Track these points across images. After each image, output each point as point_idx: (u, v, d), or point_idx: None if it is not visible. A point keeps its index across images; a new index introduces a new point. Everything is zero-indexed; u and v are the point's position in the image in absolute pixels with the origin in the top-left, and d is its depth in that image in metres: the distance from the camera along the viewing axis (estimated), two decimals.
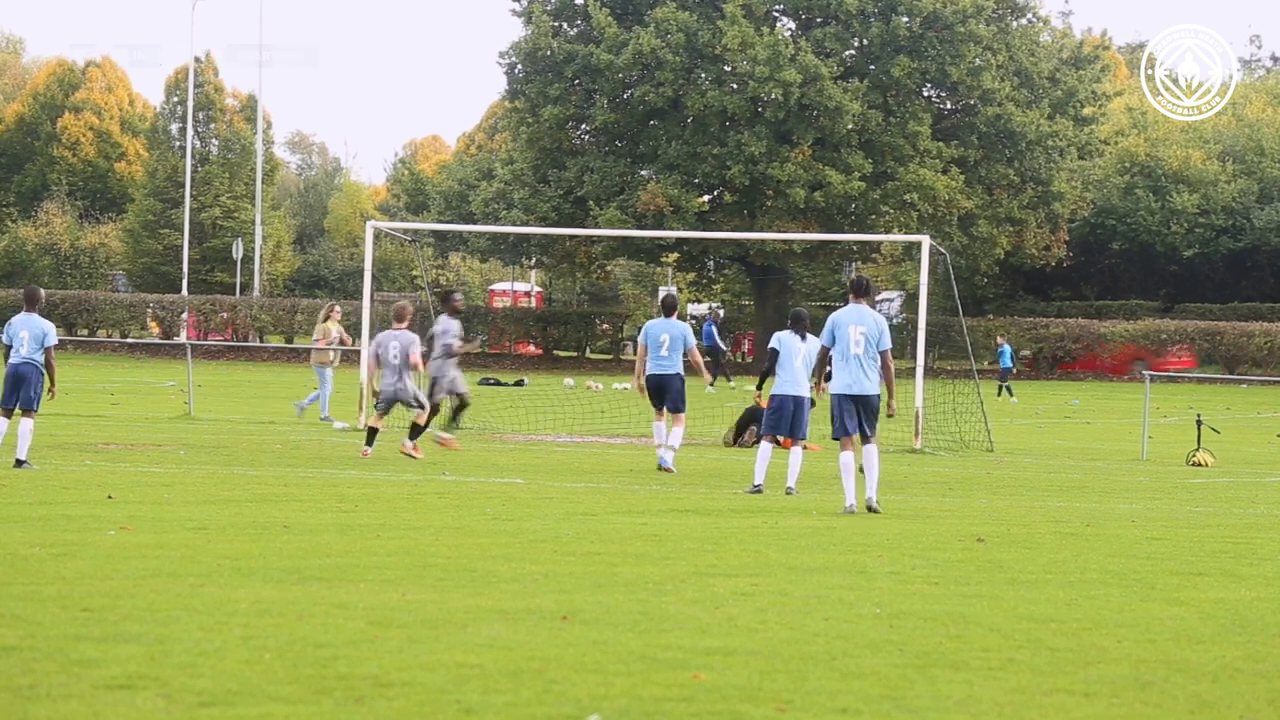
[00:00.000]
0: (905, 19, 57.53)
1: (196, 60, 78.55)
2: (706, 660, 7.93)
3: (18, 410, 18.37)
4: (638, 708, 6.96)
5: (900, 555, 12.20)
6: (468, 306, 65.26)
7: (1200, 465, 24.40)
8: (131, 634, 8.18)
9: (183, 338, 62.97)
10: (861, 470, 15.85)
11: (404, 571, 10.61)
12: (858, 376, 15.83)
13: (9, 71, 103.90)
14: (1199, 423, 25.48)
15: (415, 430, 21.27)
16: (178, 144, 78.99)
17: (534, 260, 70.96)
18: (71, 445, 21.64)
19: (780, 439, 18.12)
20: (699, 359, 21.20)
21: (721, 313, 63.47)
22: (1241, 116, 70.21)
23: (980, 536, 13.46)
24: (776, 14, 61.09)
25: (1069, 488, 20.11)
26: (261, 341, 65.28)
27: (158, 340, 61.99)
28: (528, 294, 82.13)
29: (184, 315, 65.37)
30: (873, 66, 58.99)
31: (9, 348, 18.49)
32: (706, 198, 62.53)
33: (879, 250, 67.59)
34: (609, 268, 72.97)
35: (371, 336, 29.15)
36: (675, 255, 67.27)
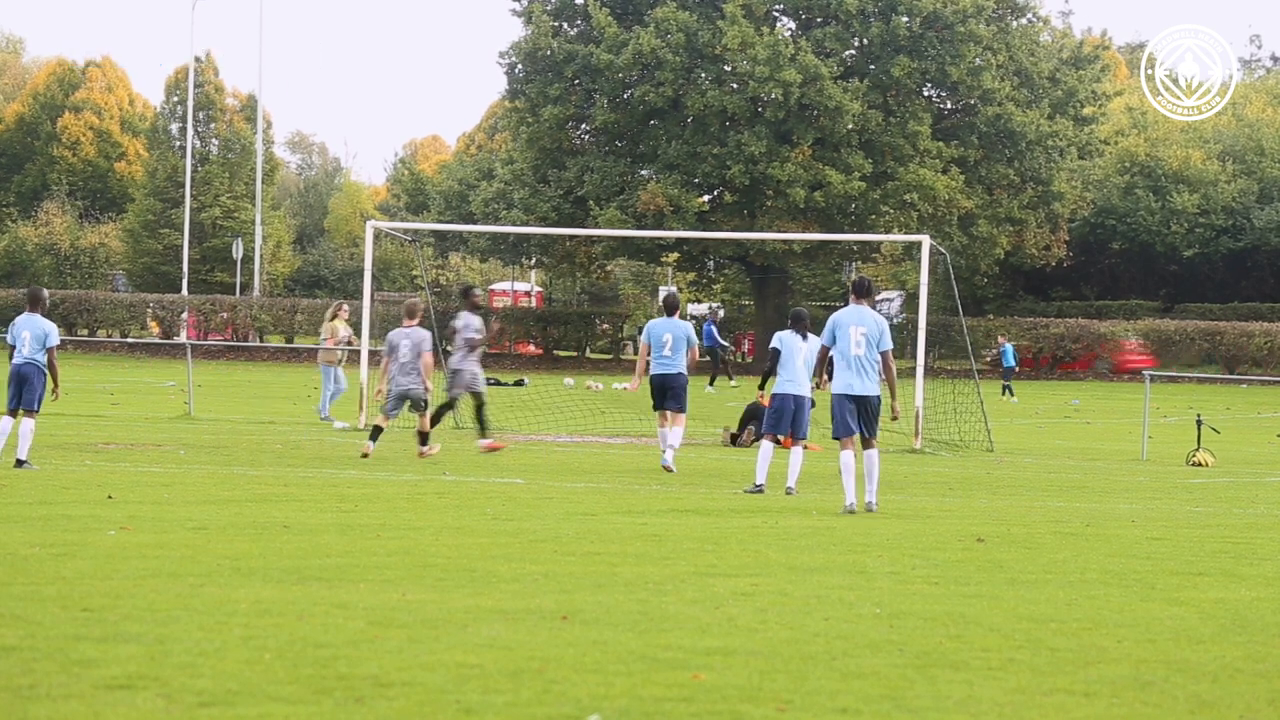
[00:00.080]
0: (905, 19, 57.55)
1: (196, 60, 78.57)
2: (706, 660, 7.93)
3: (20, 410, 18.39)
4: (638, 708, 6.96)
5: (900, 555, 12.20)
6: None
7: (1200, 465, 24.40)
8: (131, 634, 8.18)
9: (183, 338, 62.97)
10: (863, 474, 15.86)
11: (404, 571, 10.61)
12: (858, 377, 15.82)
13: (9, 71, 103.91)
14: (1199, 423, 25.49)
15: (423, 438, 21.28)
16: (178, 144, 78.99)
17: (534, 260, 70.98)
18: (71, 445, 21.64)
19: (780, 439, 18.11)
20: (695, 359, 21.22)
21: (721, 313, 63.47)
22: (1241, 116, 70.22)
23: (980, 536, 13.46)
24: (776, 14, 61.11)
25: (1069, 488, 20.11)
26: (261, 341, 65.29)
27: (158, 340, 61.99)
28: (528, 294, 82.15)
29: (184, 315, 65.37)
30: (873, 66, 59.01)
31: (13, 348, 18.52)
32: (706, 198, 62.54)
33: (879, 250, 67.60)
34: (609, 268, 72.99)
35: (372, 336, 29.20)
36: (675, 255, 67.28)
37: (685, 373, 20.74)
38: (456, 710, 6.84)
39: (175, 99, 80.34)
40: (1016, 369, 51.23)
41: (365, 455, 20.89)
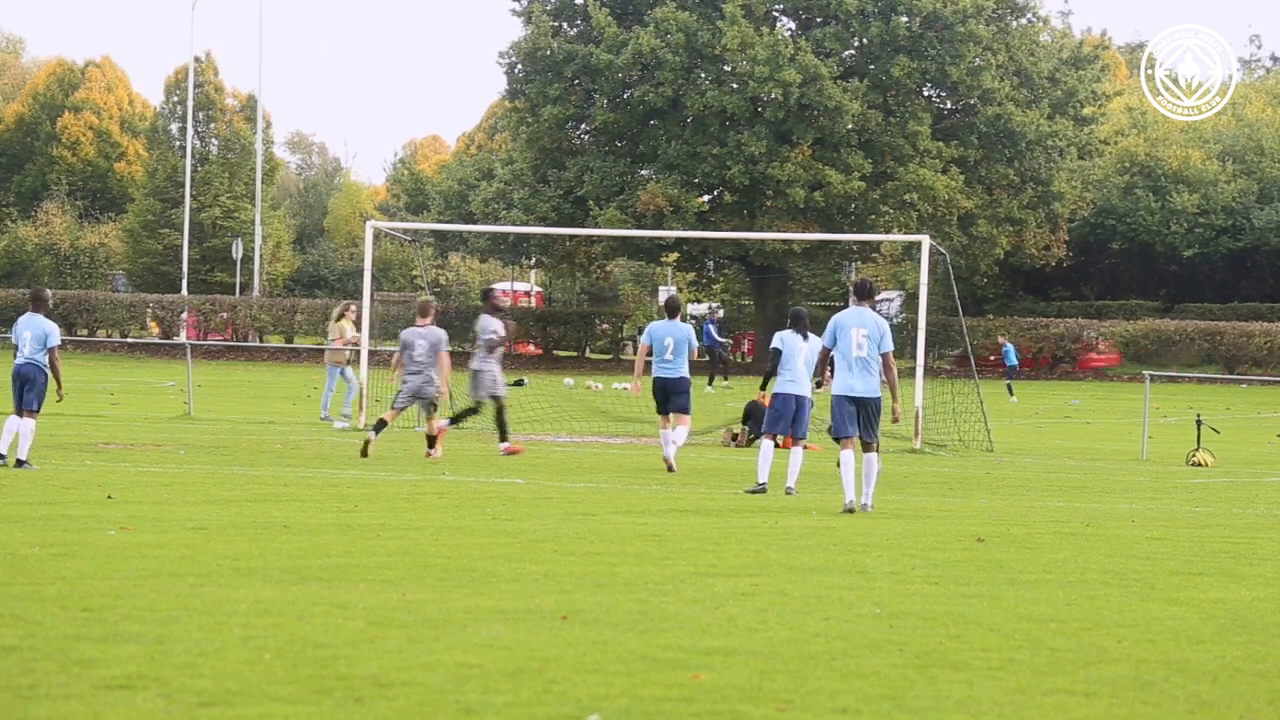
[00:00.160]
0: (905, 19, 57.55)
1: (196, 60, 78.56)
2: (706, 660, 7.93)
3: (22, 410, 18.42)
4: (638, 708, 6.96)
5: (900, 555, 12.20)
6: (467, 306, 65.25)
7: (1200, 465, 24.41)
8: (131, 634, 8.18)
9: (183, 338, 62.97)
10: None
11: (404, 571, 10.61)
12: (859, 379, 15.82)
13: (9, 71, 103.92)
14: (1199, 423, 25.49)
15: (430, 441, 21.29)
16: (178, 144, 78.99)
17: (534, 260, 70.97)
18: (71, 445, 21.64)
19: (780, 438, 18.10)
20: (694, 359, 21.25)
21: (721, 313, 63.49)
22: (1241, 116, 70.20)
23: (980, 536, 13.46)
24: (776, 14, 61.11)
25: (1069, 488, 20.11)
26: (261, 341, 65.30)
27: (158, 340, 62.00)
28: (528, 294, 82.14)
29: (184, 315, 65.38)
30: (873, 66, 59.01)
31: (16, 349, 18.55)
32: (706, 198, 62.54)
33: (879, 250, 67.59)
34: (609, 268, 72.98)
35: (372, 336, 29.19)
36: (675, 255, 67.28)
37: (687, 376, 20.77)
38: (456, 710, 6.84)
39: (175, 99, 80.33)
40: (1019, 368, 51.24)
41: (367, 444, 20.81)
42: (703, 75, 58.84)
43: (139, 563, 10.65)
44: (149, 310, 66.39)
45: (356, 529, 12.96)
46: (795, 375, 17.52)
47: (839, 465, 15.93)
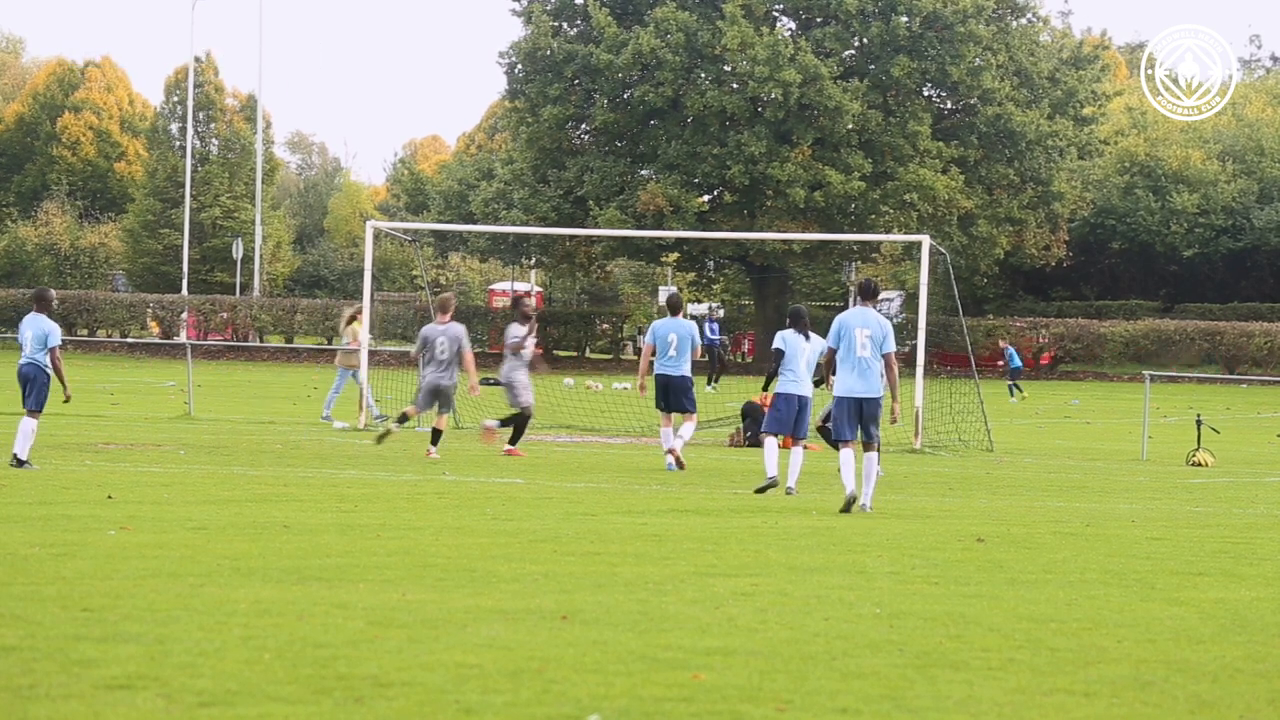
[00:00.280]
0: (905, 19, 57.55)
1: (196, 60, 78.56)
2: (706, 660, 7.93)
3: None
4: (638, 708, 6.96)
5: (900, 555, 12.20)
6: (467, 306, 65.26)
7: (1200, 465, 24.41)
8: (131, 634, 8.17)
9: (183, 338, 62.98)
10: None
11: (404, 571, 10.61)
12: (862, 380, 15.83)
13: (9, 71, 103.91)
14: (1199, 423, 25.49)
15: (435, 436, 21.32)
16: (178, 144, 78.99)
17: (534, 260, 70.94)
18: (71, 445, 21.64)
19: (780, 438, 18.10)
20: (696, 357, 21.28)
21: (721, 313, 63.48)
22: (1241, 116, 70.20)
23: (980, 536, 13.46)
24: (776, 14, 61.11)
25: (1069, 488, 20.11)
26: (261, 341, 65.30)
27: (158, 340, 62.00)
28: (528, 294, 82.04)
29: (184, 315, 65.38)
30: (873, 66, 59.01)
31: (22, 349, 18.60)
32: (706, 198, 62.54)
33: (879, 250, 67.60)
34: (609, 268, 72.98)
35: (373, 336, 29.21)
36: (675, 255, 67.28)
37: (689, 374, 20.80)
38: (456, 710, 6.84)
39: (175, 99, 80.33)
40: (1023, 368, 51.25)
41: (386, 434, 21.13)
42: (703, 75, 58.83)
43: (139, 563, 10.65)
44: (149, 310, 66.39)
45: (356, 529, 12.96)
46: (798, 375, 17.52)
47: (841, 464, 15.92)
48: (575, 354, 65.57)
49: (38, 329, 18.44)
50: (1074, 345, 59.70)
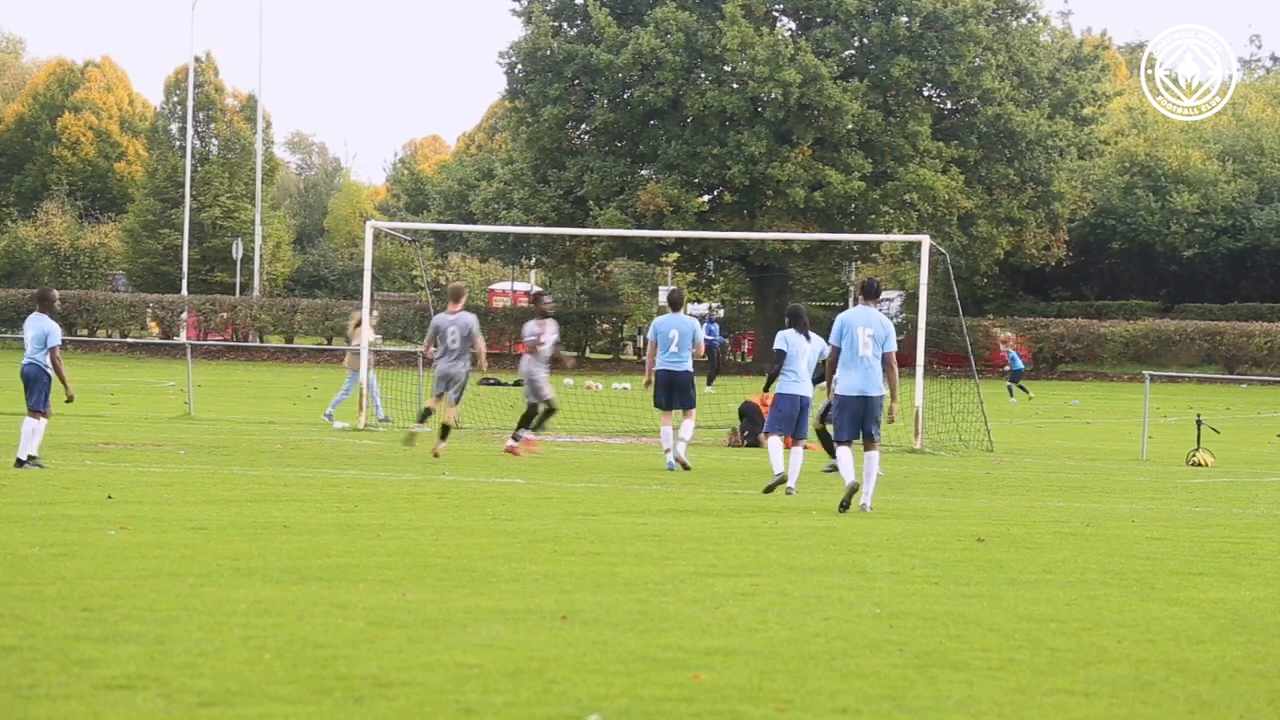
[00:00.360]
0: (905, 19, 57.55)
1: (196, 60, 78.55)
2: (706, 660, 7.92)
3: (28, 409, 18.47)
4: (638, 708, 6.96)
5: (900, 555, 12.20)
6: (467, 306, 65.14)
7: (1200, 465, 24.40)
8: (131, 634, 8.17)
9: (183, 338, 62.97)
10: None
11: (404, 571, 10.61)
12: (864, 379, 15.84)
13: (9, 71, 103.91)
14: (1199, 423, 25.48)
15: (444, 431, 21.33)
16: (178, 144, 78.98)
17: (534, 260, 70.97)
18: (71, 445, 21.64)
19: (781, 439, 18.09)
20: (700, 354, 21.31)
21: (721, 313, 63.46)
22: (1241, 116, 70.19)
23: (980, 536, 13.46)
24: (776, 14, 61.10)
25: (1069, 488, 20.11)
26: (261, 341, 65.30)
27: (158, 340, 62.00)
28: (527, 294, 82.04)
29: (184, 315, 65.38)
30: (873, 66, 59.01)
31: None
32: (706, 198, 62.54)
33: (879, 250, 67.60)
34: (609, 268, 72.96)
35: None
36: (675, 255, 67.29)
37: (691, 370, 20.85)
38: (456, 710, 6.84)
39: (175, 99, 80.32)
40: (1025, 369, 51.19)
41: (413, 435, 21.13)
42: (703, 75, 58.83)
43: (139, 563, 10.65)
44: (149, 310, 66.39)
45: (356, 529, 12.96)
46: (799, 375, 17.53)
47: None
48: (575, 354, 65.54)
49: (38, 329, 18.48)
50: (1074, 345, 59.73)
